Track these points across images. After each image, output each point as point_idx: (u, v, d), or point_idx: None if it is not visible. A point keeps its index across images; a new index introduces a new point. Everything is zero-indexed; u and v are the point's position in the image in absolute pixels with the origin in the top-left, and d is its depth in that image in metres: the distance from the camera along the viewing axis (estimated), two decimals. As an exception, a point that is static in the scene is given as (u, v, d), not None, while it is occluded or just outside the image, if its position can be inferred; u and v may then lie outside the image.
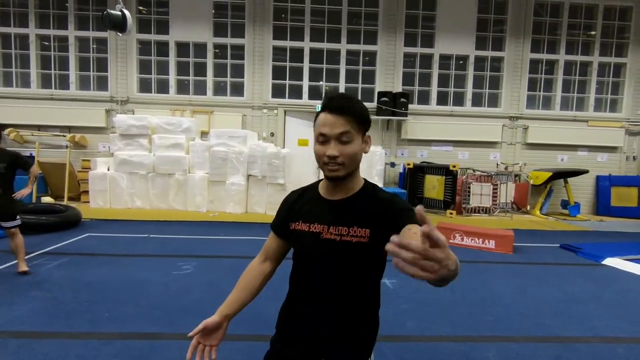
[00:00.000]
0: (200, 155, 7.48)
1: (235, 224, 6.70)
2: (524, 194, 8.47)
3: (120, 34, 4.83)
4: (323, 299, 1.08)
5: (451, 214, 7.66)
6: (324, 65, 8.68)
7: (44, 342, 2.50)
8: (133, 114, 8.24)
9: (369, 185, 1.11)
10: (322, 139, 1.01)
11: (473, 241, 5.47)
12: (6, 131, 8.13)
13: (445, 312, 3.18)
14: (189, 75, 8.61)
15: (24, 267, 3.71)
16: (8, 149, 3.80)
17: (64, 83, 8.53)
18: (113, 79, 8.46)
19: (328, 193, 1.10)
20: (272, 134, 8.56)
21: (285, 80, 8.66)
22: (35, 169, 3.85)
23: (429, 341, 2.70)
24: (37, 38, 8.41)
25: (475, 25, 8.75)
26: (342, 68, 8.68)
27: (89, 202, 7.47)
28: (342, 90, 8.73)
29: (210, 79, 8.55)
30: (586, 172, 8.30)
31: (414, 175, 8.23)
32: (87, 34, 8.46)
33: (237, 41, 8.51)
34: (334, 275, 1.06)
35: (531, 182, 8.40)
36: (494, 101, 9.01)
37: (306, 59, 8.61)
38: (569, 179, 8.44)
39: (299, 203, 1.16)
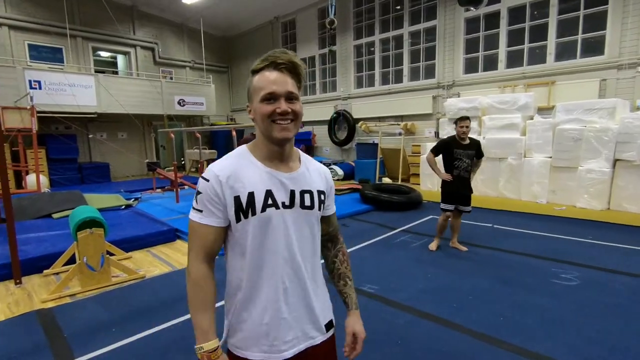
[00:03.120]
0: (540, 135, 6.27)
1: (592, 224, 5.18)
2: None
3: (474, 9, 4.55)
4: None
5: None
6: None
7: (427, 324, 2.48)
8: (458, 96, 8.09)
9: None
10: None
11: None
12: (359, 124, 10.20)
13: None
14: (523, 44, 7.42)
15: (461, 247, 4.17)
16: (474, 137, 4.21)
17: (398, 77, 9.61)
18: (440, 65, 8.65)
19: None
20: (653, 101, 5.97)
21: (686, 16, 5.74)
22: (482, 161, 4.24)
23: None
24: (380, 42, 9.89)
25: None
26: None
27: (418, 184, 8.07)
28: None
29: (551, 41, 7.00)
30: None
31: None
32: (418, 27, 9.05)
33: (596, -18, 6.44)
34: None
35: None
36: None
37: None
38: None
39: None
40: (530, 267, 3.49)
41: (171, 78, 12.84)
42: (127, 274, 3.46)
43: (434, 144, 4.20)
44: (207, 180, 0.97)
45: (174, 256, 4.13)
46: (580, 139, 5.79)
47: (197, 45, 13.25)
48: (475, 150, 4.03)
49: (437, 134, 8.54)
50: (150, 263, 3.93)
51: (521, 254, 3.90)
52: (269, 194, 0.97)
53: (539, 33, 7.18)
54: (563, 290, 2.99)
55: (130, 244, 4.32)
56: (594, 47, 6.59)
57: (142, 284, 3.36)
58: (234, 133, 5.00)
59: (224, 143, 12.55)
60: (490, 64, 7.92)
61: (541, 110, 6.90)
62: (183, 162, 12.75)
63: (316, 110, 11.25)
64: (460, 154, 3.97)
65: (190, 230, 1.01)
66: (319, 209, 1.06)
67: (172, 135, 6.57)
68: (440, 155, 4.12)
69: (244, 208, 0.95)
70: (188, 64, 13.54)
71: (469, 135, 4.04)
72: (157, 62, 12.69)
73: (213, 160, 11.24)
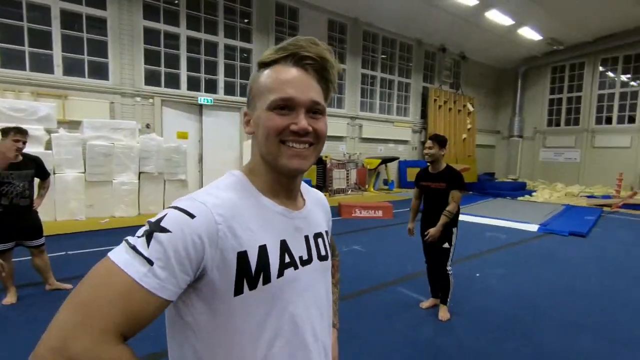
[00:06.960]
0: (70, 150, 6.04)
1: (132, 229, 6.00)
2: (363, 177, 11.18)
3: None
4: None
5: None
6: (202, 57, 8.44)
7: None
8: None
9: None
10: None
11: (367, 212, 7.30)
12: None
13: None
14: (24, 45, 6.49)
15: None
16: (30, 152, 3.04)
17: None
18: None
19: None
20: (148, 126, 7.71)
21: (161, 66, 7.90)
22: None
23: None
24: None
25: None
26: (221, 62, 8.69)
27: None
28: (221, 85, 8.74)
29: (58, 53, 6.75)
30: (397, 158, 11.83)
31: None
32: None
33: (95, 12, 7.05)
34: None
35: (367, 167, 11.20)
36: (339, 103, 11.22)
37: (183, 46, 8.12)
38: (388, 164, 11.75)
39: None
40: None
41: None
42: None
43: None
44: (192, 217, 0.56)
45: None
46: (111, 155, 6.31)
47: None
48: (36, 169, 3.24)
49: None
50: None
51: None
52: (284, 246, 0.65)
53: (43, 40, 6.63)
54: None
55: None
56: (101, 71, 7.21)
57: None
58: None
59: None
60: (-22, 57, 6.16)
61: (60, 124, 6.52)
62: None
63: None
64: (8, 176, 3.02)
65: (101, 280, 0.53)
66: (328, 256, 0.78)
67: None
68: None
69: (252, 272, 0.59)
70: None
71: (25, 152, 3.13)
72: None
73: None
